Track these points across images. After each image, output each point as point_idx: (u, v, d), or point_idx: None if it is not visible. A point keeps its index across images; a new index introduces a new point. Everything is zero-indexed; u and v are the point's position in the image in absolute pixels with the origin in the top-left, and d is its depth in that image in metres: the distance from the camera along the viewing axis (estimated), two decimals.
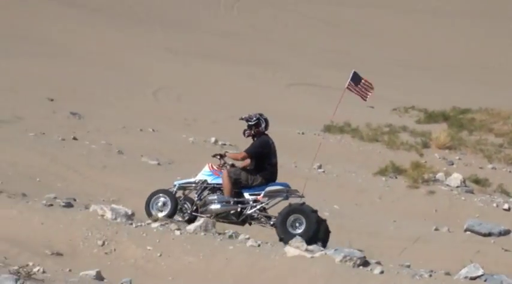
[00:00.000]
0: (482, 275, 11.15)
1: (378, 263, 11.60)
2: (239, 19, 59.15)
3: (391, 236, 15.49)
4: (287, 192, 13.64)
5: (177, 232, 12.71)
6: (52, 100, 27.91)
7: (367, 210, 17.89)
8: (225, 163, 13.96)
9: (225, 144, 23.26)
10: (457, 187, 20.67)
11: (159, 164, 19.54)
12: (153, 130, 24.39)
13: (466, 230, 17.21)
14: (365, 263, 11.46)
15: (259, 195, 13.63)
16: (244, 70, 42.43)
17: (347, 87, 15.03)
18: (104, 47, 42.78)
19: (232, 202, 13.61)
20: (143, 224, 13.12)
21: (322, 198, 18.30)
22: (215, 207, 13.59)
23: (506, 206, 20.28)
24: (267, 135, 13.96)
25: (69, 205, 14.04)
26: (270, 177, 13.80)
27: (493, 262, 14.50)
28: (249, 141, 14.05)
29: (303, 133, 26.75)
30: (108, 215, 13.28)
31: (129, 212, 13.57)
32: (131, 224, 13.08)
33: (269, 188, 13.59)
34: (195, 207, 13.80)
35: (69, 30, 44.99)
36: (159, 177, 18.12)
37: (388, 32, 62.10)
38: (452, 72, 50.65)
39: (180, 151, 21.73)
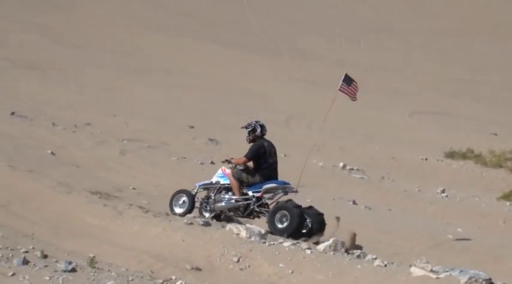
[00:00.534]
0: None
1: None
2: (365, 51, 58.88)
3: None
4: (283, 188, 14.67)
5: (308, 251, 12.67)
6: (192, 127, 28.44)
7: (491, 234, 17.33)
8: (235, 166, 15.01)
9: (352, 169, 23.09)
10: None
11: None
12: (284, 155, 24.42)
13: None
14: None
15: (260, 192, 14.59)
16: (370, 99, 42.08)
17: (339, 89, 16.09)
18: (238, 78, 43.36)
19: (238, 199, 14.60)
20: (276, 243, 13.15)
21: (446, 221, 17.88)
22: (224, 204, 14.74)
23: None
24: (264, 139, 15.08)
25: (207, 224, 14.20)
26: (268, 175, 14.81)
27: None
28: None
29: (426, 159, 26.24)
30: (243, 234, 13.38)
31: (263, 231, 13.65)
32: (264, 242, 13.13)
33: (266, 186, 14.60)
34: (211, 205, 14.87)
35: (206, 63, 45.83)
36: (293, 199, 18.10)
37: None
38: None
39: (310, 175, 21.63)
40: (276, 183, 14.73)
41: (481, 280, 11.04)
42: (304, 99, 39.62)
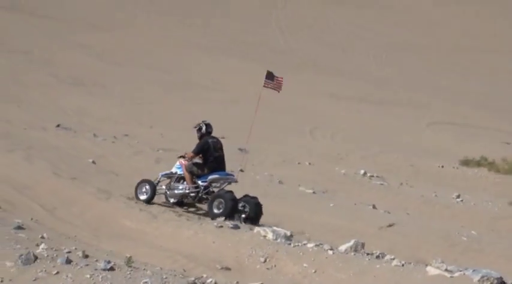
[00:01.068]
0: None
1: None
2: (386, 66, 58.73)
3: None
4: (226, 179, 15.73)
5: (330, 252, 12.67)
6: (223, 138, 28.44)
7: (503, 236, 17.21)
8: (191, 160, 15.90)
9: (372, 176, 23.04)
10: None
11: (314, 193, 19.53)
12: (309, 163, 24.48)
13: None
14: (503, 283, 11.01)
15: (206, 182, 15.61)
16: (391, 110, 42.02)
17: (264, 85, 17.38)
18: (266, 92, 43.42)
19: (189, 188, 15.64)
20: (300, 244, 13.16)
21: (460, 225, 17.78)
22: (177, 191, 15.87)
23: None
24: (210, 136, 16.03)
25: (236, 227, 14.26)
26: (215, 167, 15.72)
27: None
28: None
29: (442, 167, 26.13)
30: (270, 236, 13.41)
31: (288, 233, 13.68)
32: (289, 244, 13.15)
33: (211, 177, 15.58)
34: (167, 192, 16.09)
35: (237, 78, 45.99)
36: (314, 203, 18.14)
37: None
38: None
39: (332, 181, 21.69)
40: (219, 175, 15.67)
41: (492, 278, 10.98)
42: (328, 111, 39.60)
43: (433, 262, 11.91)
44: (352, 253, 12.73)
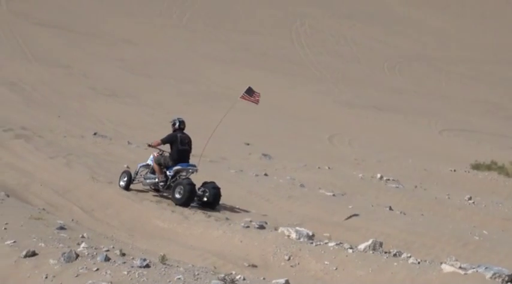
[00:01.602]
0: None
1: None
2: (400, 76, 58.53)
3: None
4: (188, 169, 16.38)
5: (350, 250, 12.61)
6: (248, 144, 28.58)
7: None
8: (162, 152, 16.82)
9: (388, 179, 22.92)
10: None
11: (333, 195, 19.47)
12: (328, 168, 24.41)
13: None
14: None
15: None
16: (404, 118, 41.88)
17: (240, 97, 17.79)
18: (287, 101, 43.45)
19: (158, 177, 16.48)
20: (321, 243, 13.11)
21: (472, 225, 17.62)
22: (149, 180, 16.80)
23: None
24: (181, 131, 16.71)
25: (261, 227, 14.27)
26: (179, 159, 16.45)
27: None
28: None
29: (454, 170, 25.95)
30: (293, 235, 13.38)
31: (310, 233, 13.64)
32: (312, 243, 13.10)
33: (175, 168, 16.33)
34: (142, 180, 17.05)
35: (260, 89, 46.00)
36: (333, 205, 18.08)
37: None
38: None
39: (351, 185, 21.61)
40: (182, 166, 16.39)
41: (504, 275, 10.87)
42: (345, 120, 39.55)
43: (447, 259, 11.83)
44: (371, 252, 12.65)
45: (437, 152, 30.96)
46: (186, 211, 15.50)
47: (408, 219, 17.20)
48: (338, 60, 61.70)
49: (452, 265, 11.41)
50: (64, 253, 10.09)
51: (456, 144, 34.82)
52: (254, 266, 12.42)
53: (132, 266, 9.76)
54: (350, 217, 17.01)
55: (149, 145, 17.04)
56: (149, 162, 17.00)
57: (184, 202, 15.76)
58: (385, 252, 12.71)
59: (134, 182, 17.10)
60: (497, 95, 55.06)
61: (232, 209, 16.70)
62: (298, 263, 12.48)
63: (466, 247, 15.15)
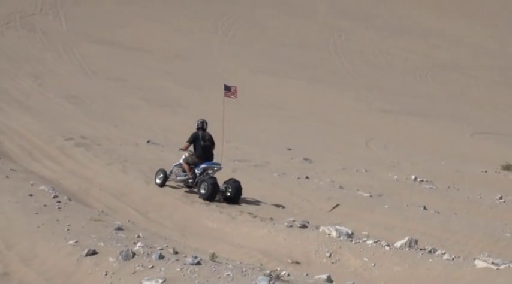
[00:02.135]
0: None
1: None
2: (431, 83, 57.85)
3: None
4: (212, 167, 16.96)
5: (387, 248, 12.48)
6: (290, 149, 28.50)
7: None
8: (191, 152, 17.27)
9: (422, 181, 22.64)
10: None
11: (371, 196, 19.30)
12: (365, 170, 24.22)
13: None
14: None
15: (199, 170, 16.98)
16: (436, 123, 41.36)
17: (224, 96, 18.25)
18: (326, 109, 43.29)
19: (187, 175, 17.08)
20: (360, 241, 13.00)
21: (504, 223, 17.28)
22: (180, 177, 17.32)
23: None
24: (202, 130, 17.34)
25: (304, 226, 14.21)
26: (202, 155, 17.08)
27: None
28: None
29: (485, 171, 25.52)
30: (334, 234, 13.30)
31: (350, 232, 13.54)
32: (351, 241, 13.01)
33: (202, 166, 16.94)
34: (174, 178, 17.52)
35: (300, 97, 46.00)
36: (371, 205, 17.92)
37: None
38: None
39: (387, 186, 21.40)
40: (208, 164, 16.98)
41: None
42: (380, 125, 39.21)
43: (480, 256, 11.63)
44: (407, 249, 12.51)
45: (468, 154, 30.49)
46: (233, 212, 15.53)
47: (442, 218, 16.95)
48: (373, 70, 61.27)
49: (485, 261, 11.21)
50: (122, 252, 10.18)
51: (487, 147, 34.24)
52: (297, 263, 12.39)
53: (185, 264, 9.80)
54: (335, 207, 17.30)
55: (181, 149, 17.64)
56: (181, 161, 17.47)
57: (209, 197, 16.30)
58: (421, 249, 12.56)
59: (169, 179, 17.59)
60: None
61: (276, 210, 16.69)
62: (339, 260, 12.40)
63: (497, 243, 14.87)
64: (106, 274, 9.77)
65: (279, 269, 10.37)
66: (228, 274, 9.39)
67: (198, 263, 9.84)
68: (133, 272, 9.65)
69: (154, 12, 72.34)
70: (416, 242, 12.86)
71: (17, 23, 60.23)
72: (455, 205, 19.16)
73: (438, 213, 17.65)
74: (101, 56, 52.28)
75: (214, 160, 17.29)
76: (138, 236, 11.61)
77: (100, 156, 21.33)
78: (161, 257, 10.07)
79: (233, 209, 15.80)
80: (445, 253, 12.16)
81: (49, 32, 58.32)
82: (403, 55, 69.01)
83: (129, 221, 14.10)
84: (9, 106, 32.10)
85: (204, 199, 16.37)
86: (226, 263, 10.12)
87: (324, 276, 10.24)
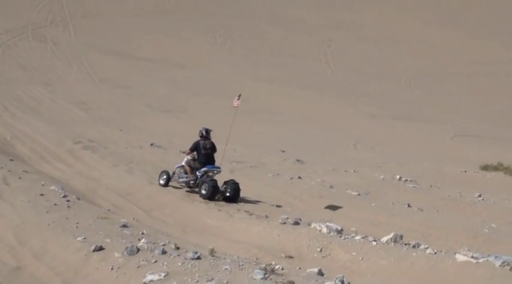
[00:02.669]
0: None
1: None
2: (415, 90, 57.92)
3: None
4: (213, 170, 16.90)
5: (374, 243, 12.46)
6: (283, 151, 28.50)
7: None
8: (194, 156, 17.15)
9: (406, 180, 22.64)
10: None
11: (359, 194, 19.31)
12: (354, 171, 24.22)
13: None
14: None
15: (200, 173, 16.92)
16: (420, 126, 41.39)
17: (234, 107, 18.00)
18: (317, 113, 43.30)
19: (189, 177, 17.09)
20: (349, 236, 12.98)
21: (482, 219, 17.29)
22: (182, 179, 17.26)
23: None
24: (204, 138, 17.15)
25: (296, 223, 14.18)
26: (204, 161, 16.97)
27: None
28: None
29: (465, 171, 25.53)
30: (324, 230, 13.28)
31: (339, 228, 13.51)
32: (340, 236, 12.99)
33: (203, 169, 16.87)
34: (177, 179, 17.38)
35: (293, 103, 46.00)
36: (359, 203, 17.92)
37: None
38: None
39: (374, 185, 21.40)
40: (207, 167, 16.91)
41: (511, 263, 10.64)
42: (368, 128, 39.21)
43: (460, 250, 11.61)
44: (392, 244, 12.50)
45: (449, 155, 30.50)
46: (231, 210, 15.50)
47: (425, 215, 16.96)
48: (361, 77, 61.35)
49: (465, 255, 11.21)
50: (127, 248, 10.15)
51: (466, 148, 34.26)
52: (290, 257, 12.36)
53: (186, 258, 9.77)
54: (329, 206, 17.24)
55: (182, 152, 17.75)
56: (183, 163, 17.43)
57: (209, 197, 16.32)
58: (405, 244, 12.55)
59: (171, 180, 17.55)
60: (503, 104, 54.16)
61: (270, 208, 16.66)
62: (329, 254, 12.38)
63: (476, 238, 14.87)
64: (112, 268, 9.74)
65: (273, 263, 10.35)
66: (226, 268, 9.37)
67: (198, 258, 9.81)
68: (138, 267, 9.62)
69: (157, 25, 72.36)
70: (401, 237, 12.85)
71: (29, 35, 60.14)
72: (437, 203, 19.17)
73: (421, 210, 17.66)
74: (108, 65, 52.23)
75: (215, 164, 17.24)
76: (142, 233, 11.58)
77: (106, 158, 21.29)
78: (164, 252, 10.04)
79: (231, 207, 15.78)
80: (428, 248, 12.15)
81: (59, 43, 58.27)
82: (388, 63, 69.14)
83: (133, 219, 14.06)
84: (22, 111, 32.04)
85: (205, 198, 16.38)
86: (225, 258, 10.10)
87: (316, 269, 10.22)
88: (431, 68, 68.66)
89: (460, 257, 11.18)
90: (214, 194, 16.38)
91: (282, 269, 9.76)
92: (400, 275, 11.25)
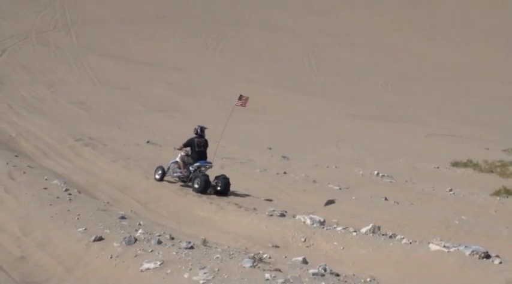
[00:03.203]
0: None
1: (497, 256, 10.81)
2: (392, 93, 58.11)
3: (506, 238, 14.41)
4: (205, 165, 16.77)
5: (354, 233, 12.51)
6: (270, 149, 28.49)
7: (487, 220, 16.76)
8: (187, 152, 17.03)
9: (384, 175, 22.71)
10: None
11: (340, 189, 19.36)
12: (335, 167, 24.27)
13: None
14: (487, 256, 10.73)
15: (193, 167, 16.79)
16: (396, 126, 41.53)
17: (236, 104, 17.49)
18: (301, 114, 43.32)
19: (182, 171, 16.98)
20: (331, 228, 13.02)
21: (453, 212, 17.39)
22: (176, 174, 17.15)
23: None
24: (199, 136, 16.91)
25: (282, 215, 14.21)
26: (198, 157, 16.84)
27: None
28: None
29: (437, 168, 25.65)
30: (308, 221, 13.30)
31: (322, 219, 13.54)
32: (323, 228, 13.02)
33: (196, 164, 16.76)
34: (171, 173, 17.28)
35: (279, 104, 45.97)
36: (340, 196, 17.97)
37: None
38: None
39: (353, 180, 21.46)
40: (200, 163, 16.79)
41: (480, 252, 10.71)
42: (348, 128, 39.28)
43: (433, 240, 11.69)
44: (371, 234, 12.55)
45: (423, 153, 30.60)
46: (222, 203, 15.49)
47: (400, 207, 17.03)
48: (342, 80, 61.47)
49: (437, 244, 11.28)
50: (125, 238, 10.12)
51: (439, 146, 34.39)
52: (277, 246, 12.38)
53: (180, 248, 9.76)
54: (328, 202, 17.23)
55: (176, 149, 17.53)
56: (177, 159, 17.30)
57: (201, 191, 16.23)
58: (383, 234, 12.60)
59: (166, 175, 17.45)
60: (471, 105, 54.48)
61: (258, 201, 16.66)
62: (312, 244, 12.41)
63: (448, 229, 14.96)
64: (111, 257, 9.71)
65: (261, 252, 10.36)
66: (218, 257, 9.36)
67: (191, 247, 9.80)
68: (135, 256, 9.59)
69: (153, 31, 72.11)
70: (379, 228, 12.91)
71: (33, 39, 59.71)
72: (412, 197, 19.26)
73: (397, 203, 17.73)
74: (107, 67, 51.97)
75: (207, 160, 17.15)
76: (139, 224, 11.55)
77: (106, 154, 21.19)
78: (159, 242, 10.02)
79: (221, 200, 15.76)
80: (403, 238, 12.21)
81: (61, 47, 57.88)
82: (367, 68, 69.33)
83: (131, 211, 14.01)
84: (26, 111, 31.81)
85: (197, 192, 16.34)
86: (216, 247, 10.09)
87: (300, 258, 10.24)
88: (407, 72, 68.95)
89: (433, 247, 11.25)
90: (206, 188, 16.34)
91: (269, 258, 9.77)
92: (378, 263, 11.30)
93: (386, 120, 43.63)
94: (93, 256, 9.86)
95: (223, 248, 10.07)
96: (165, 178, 17.53)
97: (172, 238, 10.38)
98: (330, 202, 17.27)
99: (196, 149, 16.93)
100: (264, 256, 9.71)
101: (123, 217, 11.89)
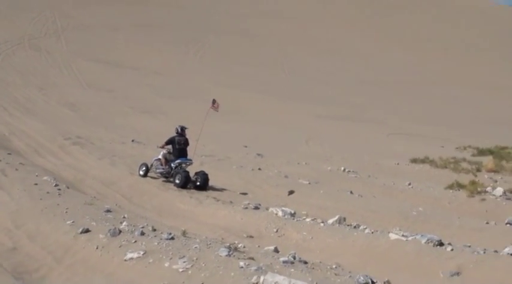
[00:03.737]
0: None
1: (449, 244, 10.99)
2: (359, 95, 58.50)
3: (458, 227, 14.63)
4: (186, 162, 16.69)
5: (322, 224, 12.59)
6: (246, 147, 28.47)
7: (441, 211, 17.01)
8: (169, 150, 17.03)
9: (349, 171, 22.86)
10: (500, 196, 19.15)
11: (309, 183, 19.44)
12: (305, 163, 24.36)
13: (506, 224, 15.89)
14: (441, 244, 10.91)
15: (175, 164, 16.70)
16: (360, 126, 41.84)
17: (210, 108, 17.49)
18: (275, 115, 43.40)
19: (164, 168, 16.89)
20: (301, 219, 13.09)
21: (411, 204, 17.60)
22: (159, 170, 17.08)
23: None
24: (179, 135, 16.90)
25: (256, 208, 14.23)
26: (178, 155, 16.76)
27: None
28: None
29: (398, 164, 25.90)
30: (280, 213, 13.36)
31: (292, 212, 13.61)
32: (293, 219, 13.10)
33: (177, 161, 16.68)
34: (154, 169, 17.19)
35: (255, 106, 46.02)
36: (309, 191, 18.06)
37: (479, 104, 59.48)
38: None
39: (322, 175, 21.58)
40: (181, 160, 16.72)
41: (434, 240, 10.88)
42: (318, 127, 39.46)
43: (393, 230, 11.83)
44: (337, 225, 12.66)
45: (385, 150, 30.87)
46: (201, 197, 15.47)
47: (364, 200, 17.18)
48: (311, 83, 61.71)
49: (396, 234, 11.42)
50: (110, 230, 10.06)
51: (399, 144, 34.71)
52: (251, 237, 12.40)
53: (161, 239, 9.73)
54: (291, 193, 17.35)
55: (158, 147, 17.50)
56: (160, 156, 17.30)
57: (182, 185, 16.20)
58: (348, 225, 12.72)
59: (149, 171, 17.38)
60: (430, 108, 55.13)
61: (234, 195, 16.67)
62: (284, 234, 12.46)
63: (407, 220, 15.13)
64: (97, 248, 9.64)
65: (236, 242, 10.38)
66: (196, 247, 9.36)
67: (172, 238, 9.78)
68: (120, 246, 9.54)
69: (138, 38, 71.58)
70: (344, 219, 13.02)
71: (26, 44, 58.82)
72: (374, 190, 19.43)
73: (361, 196, 17.88)
74: (95, 71, 51.42)
75: (188, 157, 17.14)
76: (124, 217, 11.49)
77: (93, 152, 20.99)
78: (142, 233, 9.98)
79: (200, 194, 15.74)
80: (366, 228, 12.34)
81: (52, 52, 57.12)
82: (336, 72, 69.74)
83: (116, 205, 13.91)
84: (19, 111, 31.34)
85: (178, 187, 16.30)
86: (195, 238, 10.08)
87: (272, 247, 10.29)
88: (373, 77, 69.53)
89: (392, 236, 11.39)
90: (186, 183, 16.30)
91: (244, 247, 9.79)
92: (343, 251, 11.40)
93: (353, 121, 43.96)
94: (81, 246, 9.78)
95: (201, 239, 10.06)
96: (149, 174, 17.44)
97: (155, 230, 10.35)
98: (291, 192, 17.44)
99: (177, 147, 16.89)
100: (239, 245, 9.73)
101: (108, 211, 11.81)
